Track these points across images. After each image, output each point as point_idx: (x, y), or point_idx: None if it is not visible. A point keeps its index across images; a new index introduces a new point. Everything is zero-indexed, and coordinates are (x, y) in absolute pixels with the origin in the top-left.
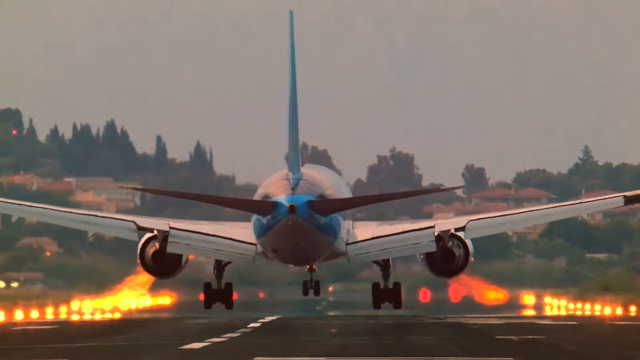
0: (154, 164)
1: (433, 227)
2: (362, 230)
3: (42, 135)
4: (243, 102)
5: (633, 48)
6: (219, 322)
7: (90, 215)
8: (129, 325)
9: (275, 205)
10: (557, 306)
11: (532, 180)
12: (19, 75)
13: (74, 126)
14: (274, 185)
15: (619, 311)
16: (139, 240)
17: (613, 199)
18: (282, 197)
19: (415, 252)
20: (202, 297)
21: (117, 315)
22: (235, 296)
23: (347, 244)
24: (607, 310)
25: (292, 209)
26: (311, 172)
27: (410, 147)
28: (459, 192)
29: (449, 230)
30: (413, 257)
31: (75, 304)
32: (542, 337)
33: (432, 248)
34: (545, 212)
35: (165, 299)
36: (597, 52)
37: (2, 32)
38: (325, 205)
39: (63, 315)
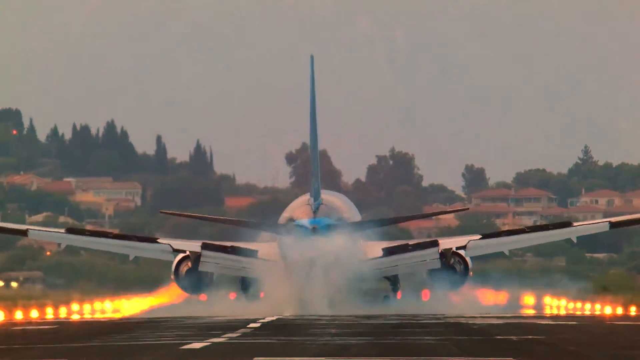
0: (154, 164)
1: (437, 246)
2: (373, 249)
3: (42, 135)
4: (243, 102)
5: (633, 48)
6: (219, 322)
7: (131, 240)
8: (129, 325)
9: (299, 227)
10: (557, 306)
11: (532, 180)
12: (19, 75)
13: (74, 126)
14: (298, 210)
15: (619, 311)
16: (173, 260)
17: (600, 224)
18: (305, 221)
19: (421, 268)
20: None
21: (117, 315)
22: (234, 296)
23: (361, 260)
24: (607, 310)
25: (314, 230)
26: (329, 197)
27: (410, 147)
28: (460, 192)
29: (451, 248)
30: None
31: (87, 305)
32: (542, 337)
33: (437, 265)
34: (538, 234)
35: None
36: (597, 52)
37: (2, 32)
38: (342, 228)
39: (63, 315)
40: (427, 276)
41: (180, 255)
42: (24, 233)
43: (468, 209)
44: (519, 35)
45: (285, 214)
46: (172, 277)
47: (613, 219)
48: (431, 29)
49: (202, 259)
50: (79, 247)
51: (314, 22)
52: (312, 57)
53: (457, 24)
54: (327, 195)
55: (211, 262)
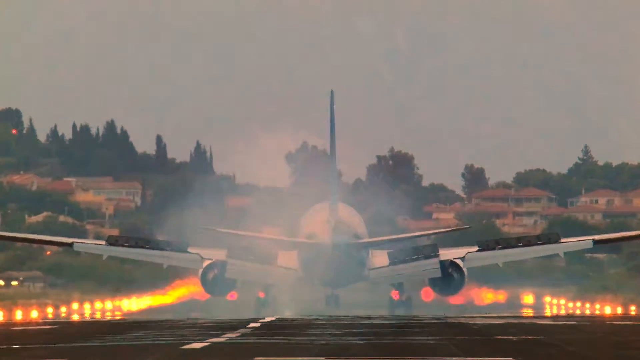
0: (154, 164)
1: (438, 255)
2: (380, 258)
3: (42, 135)
4: (243, 102)
5: (633, 48)
6: (219, 322)
7: (165, 250)
8: (129, 325)
9: (320, 244)
10: (556, 305)
11: (532, 180)
12: (19, 75)
13: (74, 126)
14: (317, 227)
15: (619, 311)
16: (201, 267)
17: (584, 241)
18: (326, 238)
19: (424, 276)
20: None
21: (118, 315)
22: (235, 296)
23: (369, 269)
24: (607, 310)
25: (333, 248)
26: (343, 214)
27: (410, 147)
28: (460, 192)
29: (450, 259)
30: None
31: (87, 305)
32: (542, 337)
33: (437, 274)
34: (529, 249)
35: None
36: (597, 52)
37: (2, 32)
38: (358, 245)
39: (63, 315)
40: (427, 283)
41: (207, 262)
42: (70, 245)
43: (470, 227)
44: (519, 35)
45: (305, 230)
46: (200, 282)
47: (596, 237)
48: (431, 28)
49: (227, 266)
50: (120, 258)
51: (314, 21)
52: (332, 92)
53: (457, 23)
54: (340, 210)
55: (236, 269)
